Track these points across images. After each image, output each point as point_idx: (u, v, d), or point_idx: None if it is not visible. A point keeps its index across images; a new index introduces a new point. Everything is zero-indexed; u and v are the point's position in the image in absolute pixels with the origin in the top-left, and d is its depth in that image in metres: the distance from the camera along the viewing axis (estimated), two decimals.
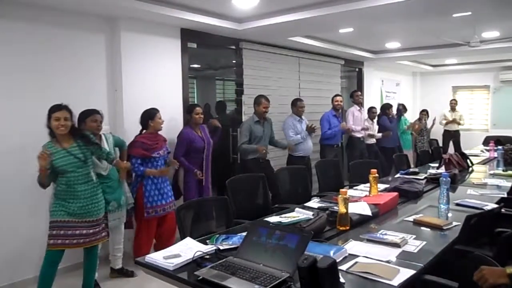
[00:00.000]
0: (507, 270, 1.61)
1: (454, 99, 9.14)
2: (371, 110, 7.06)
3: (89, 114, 3.38)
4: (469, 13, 4.41)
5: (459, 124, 8.84)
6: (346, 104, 7.82)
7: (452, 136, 8.80)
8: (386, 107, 7.27)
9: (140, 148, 3.68)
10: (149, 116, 3.78)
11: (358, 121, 6.56)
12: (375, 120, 7.15)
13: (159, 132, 3.87)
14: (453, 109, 8.90)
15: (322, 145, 5.86)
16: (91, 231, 3.01)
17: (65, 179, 2.93)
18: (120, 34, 4.08)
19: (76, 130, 3.02)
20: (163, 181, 3.82)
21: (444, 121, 8.83)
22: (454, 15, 4.55)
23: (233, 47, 5.39)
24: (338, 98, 5.99)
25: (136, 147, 3.70)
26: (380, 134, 6.93)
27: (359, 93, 6.81)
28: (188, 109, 4.34)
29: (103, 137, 3.50)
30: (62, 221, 2.92)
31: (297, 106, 5.31)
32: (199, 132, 4.26)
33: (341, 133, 6.01)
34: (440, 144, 8.46)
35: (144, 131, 3.82)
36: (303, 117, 5.39)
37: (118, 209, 3.52)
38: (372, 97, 8.33)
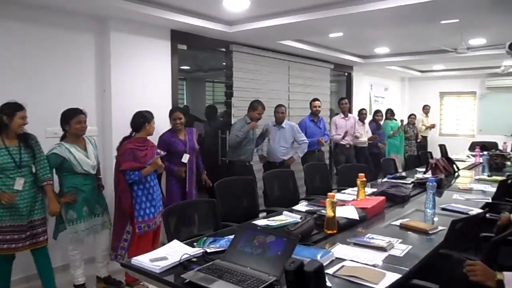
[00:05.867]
0: (498, 275, 1.64)
1: (428, 105, 9.32)
2: (361, 112, 7.09)
3: (74, 115, 3.27)
4: (457, 20, 4.49)
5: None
6: (336, 108, 7.89)
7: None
8: (374, 113, 7.37)
9: (131, 161, 3.34)
10: (146, 119, 3.50)
11: (342, 129, 6.47)
12: (366, 122, 7.19)
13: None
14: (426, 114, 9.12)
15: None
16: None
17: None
18: (109, 35, 4.05)
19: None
20: (154, 190, 3.55)
21: (423, 127, 8.97)
22: (442, 22, 4.62)
23: (223, 49, 5.39)
24: (317, 103, 5.86)
25: (126, 160, 3.34)
26: (365, 139, 6.95)
27: (345, 101, 6.68)
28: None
29: (86, 139, 3.39)
30: None
31: (275, 111, 5.27)
32: (182, 135, 4.10)
33: (321, 136, 5.85)
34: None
35: (134, 133, 3.54)
36: (285, 123, 5.28)
37: (103, 212, 3.48)
38: (360, 102, 8.39)
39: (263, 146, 5.39)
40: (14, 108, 2.90)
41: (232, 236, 2.11)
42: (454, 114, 10.28)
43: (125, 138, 3.53)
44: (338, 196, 3.34)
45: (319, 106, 5.91)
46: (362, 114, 7.06)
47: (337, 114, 7.10)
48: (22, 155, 2.95)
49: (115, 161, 3.53)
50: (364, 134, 6.94)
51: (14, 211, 2.93)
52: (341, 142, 6.43)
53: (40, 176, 3.05)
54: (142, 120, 3.51)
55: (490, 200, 3.36)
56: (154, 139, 3.84)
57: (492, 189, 3.76)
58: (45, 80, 3.70)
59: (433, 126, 9.15)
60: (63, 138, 3.33)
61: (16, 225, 2.94)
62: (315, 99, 5.96)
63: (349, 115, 6.71)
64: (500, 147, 6.84)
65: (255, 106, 4.82)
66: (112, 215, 3.59)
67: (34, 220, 3.04)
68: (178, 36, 4.66)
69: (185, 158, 4.04)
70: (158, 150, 3.62)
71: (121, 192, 3.41)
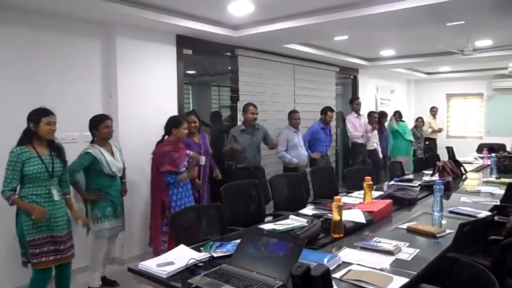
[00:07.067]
0: None
1: (435, 107, 9.28)
2: (371, 115, 7.05)
3: (101, 120, 3.42)
4: (463, 22, 4.46)
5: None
6: (344, 110, 7.90)
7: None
8: (381, 116, 7.36)
9: (169, 164, 3.56)
10: (174, 125, 3.71)
11: (358, 127, 6.61)
12: (376, 126, 7.17)
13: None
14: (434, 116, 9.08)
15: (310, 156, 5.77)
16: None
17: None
18: (115, 40, 4.09)
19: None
20: (188, 189, 3.73)
21: (429, 130, 8.93)
22: (448, 24, 4.59)
23: (229, 53, 5.41)
24: (332, 113, 5.83)
25: (164, 162, 3.57)
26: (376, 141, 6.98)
27: (359, 101, 6.80)
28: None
29: (113, 146, 3.54)
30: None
31: (291, 117, 5.33)
32: (196, 139, 4.17)
33: (327, 143, 5.94)
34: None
35: (166, 137, 3.76)
36: (299, 127, 5.42)
37: (121, 215, 3.57)
38: (366, 105, 8.36)
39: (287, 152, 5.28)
40: (40, 114, 2.85)
41: (238, 241, 2.11)
42: (461, 116, 10.24)
43: (158, 142, 3.77)
44: (345, 199, 3.33)
45: (333, 116, 5.94)
46: (373, 117, 7.02)
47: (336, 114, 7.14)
48: (54, 164, 2.90)
49: (152, 163, 3.75)
50: (373, 137, 6.97)
51: (53, 221, 2.86)
52: (358, 141, 6.55)
53: (63, 188, 3.06)
54: (170, 125, 3.73)
55: (498, 203, 3.33)
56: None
57: (501, 191, 3.71)
58: (52, 85, 3.73)
59: (440, 130, 9.10)
60: (92, 143, 3.46)
61: (55, 236, 2.88)
62: (331, 110, 5.84)
63: (360, 113, 6.81)
64: (508, 149, 6.79)
65: (246, 109, 4.76)
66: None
67: (67, 234, 2.98)
68: (183, 41, 4.68)
69: (202, 160, 4.04)
70: (188, 151, 3.81)
71: (159, 191, 3.64)
